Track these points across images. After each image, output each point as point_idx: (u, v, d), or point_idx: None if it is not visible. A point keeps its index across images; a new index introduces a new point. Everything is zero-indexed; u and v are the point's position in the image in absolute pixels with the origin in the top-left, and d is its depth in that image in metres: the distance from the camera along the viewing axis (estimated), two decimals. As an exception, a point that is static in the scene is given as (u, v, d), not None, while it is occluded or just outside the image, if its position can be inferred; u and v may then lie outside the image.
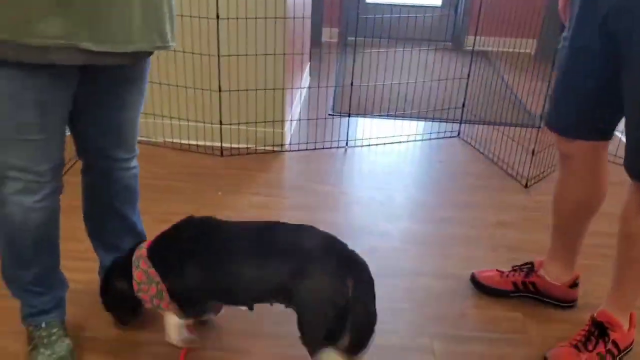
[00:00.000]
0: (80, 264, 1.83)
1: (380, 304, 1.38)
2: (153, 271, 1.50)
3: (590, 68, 1.52)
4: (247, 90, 2.75)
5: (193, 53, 2.66)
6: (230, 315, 1.76)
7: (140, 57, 1.44)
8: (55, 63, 1.26)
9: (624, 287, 1.63)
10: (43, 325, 1.59)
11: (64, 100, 1.38)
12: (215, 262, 1.45)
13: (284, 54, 2.70)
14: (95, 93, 1.48)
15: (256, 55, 2.68)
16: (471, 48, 4.84)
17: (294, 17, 2.81)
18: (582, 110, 1.59)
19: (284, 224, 1.48)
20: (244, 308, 1.54)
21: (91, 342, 1.66)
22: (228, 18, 2.58)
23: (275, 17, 2.62)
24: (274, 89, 2.76)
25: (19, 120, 1.32)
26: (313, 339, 1.37)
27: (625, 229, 1.57)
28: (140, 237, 1.80)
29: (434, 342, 1.71)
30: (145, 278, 1.51)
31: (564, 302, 1.87)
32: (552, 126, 1.71)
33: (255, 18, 2.60)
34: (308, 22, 3.29)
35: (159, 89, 2.80)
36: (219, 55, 2.63)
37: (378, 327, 1.65)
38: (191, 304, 1.54)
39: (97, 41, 1.27)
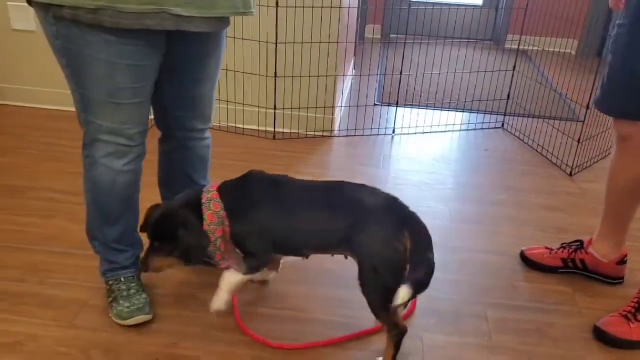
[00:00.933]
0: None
1: (435, 275, 1.43)
2: (224, 214, 1.53)
3: None
4: (300, 76, 2.87)
5: (251, 40, 2.79)
6: (286, 280, 1.86)
7: (223, 23, 1.52)
8: (150, 27, 1.36)
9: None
10: (122, 279, 1.72)
11: (154, 66, 1.49)
12: (284, 211, 1.52)
13: (337, 42, 2.81)
14: (179, 63, 1.59)
15: (311, 43, 2.80)
16: (510, 47, 4.92)
17: (348, 7, 2.92)
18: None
19: (349, 182, 1.55)
20: (298, 258, 1.64)
21: (163, 298, 1.79)
22: (287, 6, 2.70)
23: (331, 6, 2.73)
24: (326, 75, 2.88)
25: (114, 85, 1.44)
26: (372, 289, 1.45)
27: None
28: None
29: (487, 310, 1.80)
30: (216, 219, 1.53)
31: (612, 279, 1.94)
32: (609, 110, 1.78)
33: (312, 7, 2.72)
34: (354, 15, 3.39)
35: (217, 74, 2.94)
36: (276, 42, 2.76)
37: (434, 295, 1.76)
38: (255, 252, 1.57)
39: (186, 6, 1.36)
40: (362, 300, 1.47)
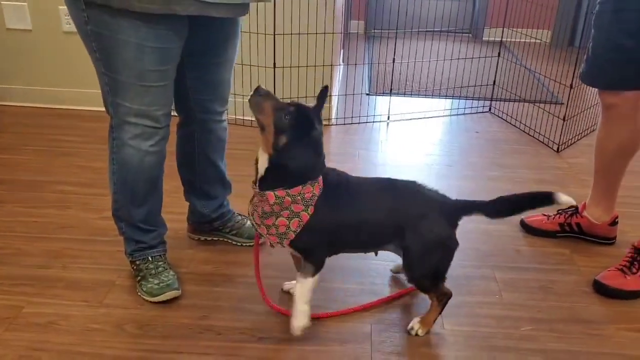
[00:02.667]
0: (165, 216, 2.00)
1: None
2: (316, 200, 1.49)
3: (631, 27, 1.73)
4: (298, 67, 2.97)
5: (250, 32, 2.88)
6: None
7: (244, 10, 1.60)
8: (176, 13, 1.43)
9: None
10: (150, 258, 1.80)
11: (178, 50, 1.57)
12: (353, 209, 1.56)
13: (333, 32, 2.93)
14: (201, 48, 1.67)
15: (308, 33, 2.91)
16: (488, 38, 5.09)
17: (341, -1, 3.04)
18: (625, 65, 1.78)
19: (397, 179, 1.65)
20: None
21: (189, 275, 1.88)
22: (283, -1, 2.81)
23: (325, -2, 2.85)
24: (323, 65, 2.99)
25: (143, 67, 1.51)
26: (427, 272, 1.57)
27: None
28: (227, 185, 2.01)
29: (495, 272, 1.92)
30: (308, 197, 1.48)
31: (606, 239, 2.09)
32: (595, 82, 1.92)
33: (308, -1, 2.83)
34: (340, 10, 3.51)
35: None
36: (274, 34, 2.86)
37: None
38: (318, 249, 1.57)
39: None
40: (374, 268, 1.58)
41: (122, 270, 1.87)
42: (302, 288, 1.56)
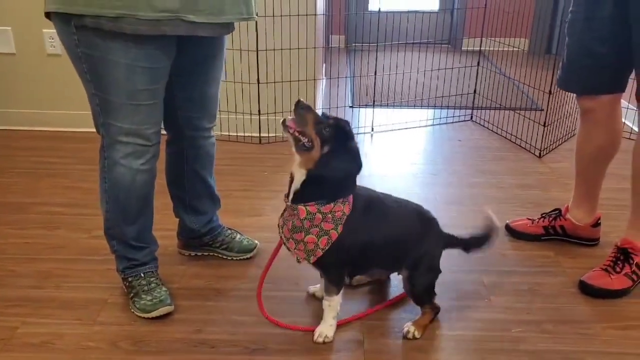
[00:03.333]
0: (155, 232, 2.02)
1: None
2: (345, 219, 1.53)
3: (603, 34, 1.79)
4: (282, 82, 3.01)
5: (233, 49, 2.92)
6: (293, 264, 1.98)
7: (229, 28, 1.64)
8: (166, 33, 1.48)
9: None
10: (142, 275, 1.81)
11: (167, 69, 1.61)
12: (383, 227, 1.63)
13: (315, 47, 2.97)
14: (189, 66, 1.71)
15: (290, 49, 2.95)
16: (467, 48, 5.18)
17: (324, 14, 3.09)
18: (600, 71, 1.84)
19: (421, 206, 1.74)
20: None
21: (181, 291, 1.89)
22: (265, 15, 2.85)
23: (307, 14, 2.89)
24: (306, 80, 3.03)
25: (133, 87, 1.54)
26: (426, 288, 1.70)
27: (638, 163, 1.82)
28: (216, 200, 2.03)
29: (483, 277, 1.96)
30: (339, 216, 1.53)
31: (589, 241, 2.14)
32: (571, 88, 1.98)
33: (289, 15, 2.88)
34: (321, 25, 3.56)
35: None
36: (257, 50, 2.90)
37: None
38: (340, 268, 1.63)
39: (198, 13, 1.48)
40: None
41: (114, 288, 1.88)
42: (329, 307, 1.65)
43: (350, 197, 1.55)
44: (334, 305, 1.65)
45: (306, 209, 1.51)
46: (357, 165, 1.53)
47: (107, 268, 1.94)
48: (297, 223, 1.53)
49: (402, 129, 3.40)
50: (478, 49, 3.51)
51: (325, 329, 1.66)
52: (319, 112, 1.52)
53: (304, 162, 1.50)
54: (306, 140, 1.47)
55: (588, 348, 1.65)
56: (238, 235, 2.08)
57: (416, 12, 4.95)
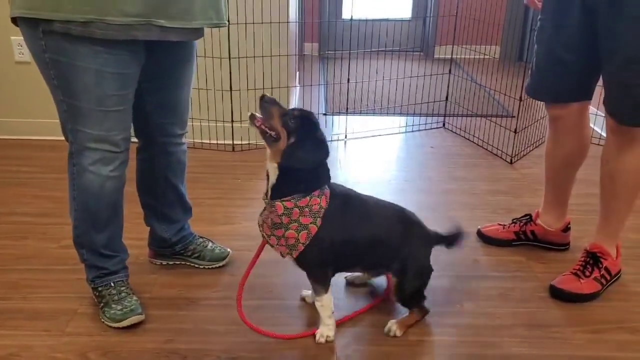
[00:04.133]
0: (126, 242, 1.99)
1: None
2: (323, 212, 1.55)
3: (571, 41, 1.82)
4: (255, 89, 3.01)
5: (205, 57, 2.90)
6: (267, 273, 1.97)
7: (199, 33, 1.63)
8: (137, 38, 1.46)
9: (610, 219, 1.93)
10: (112, 284, 1.78)
11: (136, 74, 1.59)
12: (365, 222, 1.65)
13: (288, 55, 2.97)
14: (159, 72, 1.69)
15: (263, 56, 2.95)
16: (439, 56, 5.24)
17: (297, 22, 3.09)
18: (567, 78, 1.87)
19: (404, 208, 1.76)
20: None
21: (153, 300, 1.86)
22: (237, 23, 2.84)
23: (279, 22, 2.90)
24: (279, 87, 3.03)
25: (102, 93, 1.52)
26: (416, 291, 1.72)
27: (606, 168, 1.86)
28: (188, 208, 2.01)
29: (455, 282, 1.97)
30: (316, 209, 1.54)
31: (560, 245, 2.17)
32: (541, 96, 2.01)
33: (262, 22, 2.87)
34: (293, 32, 3.57)
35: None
36: (229, 57, 2.88)
37: None
38: (322, 266, 1.64)
39: (169, 18, 1.47)
40: (334, 284, 1.66)
41: (84, 298, 1.84)
42: (322, 307, 1.66)
43: (327, 191, 1.57)
44: (326, 305, 1.65)
45: (283, 204, 1.53)
46: (324, 153, 1.56)
47: (76, 277, 1.90)
48: (276, 219, 1.55)
49: (375, 136, 3.42)
50: (450, 56, 3.55)
51: (325, 330, 1.67)
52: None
53: (273, 155, 1.53)
54: (273, 132, 1.50)
55: (559, 352, 1.67)
56: (210, 244, 2.06)
57: (388, 20, 5.00)
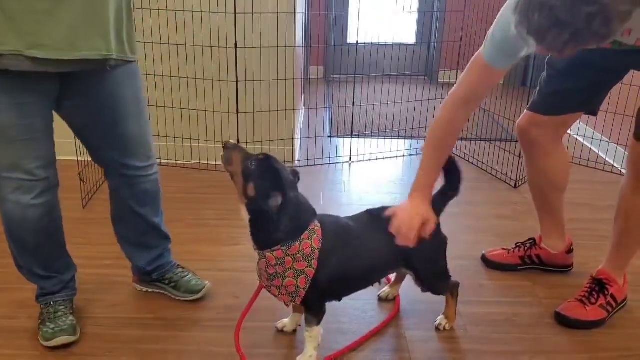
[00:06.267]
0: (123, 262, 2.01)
1: (411, 280, 1.79)
2: (317, 253, 1.51)
3: (590, 75, 1.81)
4: (261, 111, 3.03)
5: (213, 80, 2.93)
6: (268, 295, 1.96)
7: (99, 63, 1.52)
8: (8, 68, 1.40)
9: (621, 251, 1.91)
10: (52, 303, 1.77)
11: (41, 103, 1.53)
12: (356, 251, 1.61)
13: (294, 78, 3.01)
14: (93, 105, 1.62)
15: (269, 80, 2.98)
16: (443, 80, 5.28)
17: (303, 46, 3.13)
18: (579, 99, 1.88)
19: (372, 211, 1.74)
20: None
21: (157, 322, 1.86)
22: (245, 47, 2.87)
23: (286, 46, 2.93)
24: (285, 110, 3.05)
25: (1, 124, 1.48)
26: (439, 277, 1.76)
27: (622, 203, 1.84)
28: (164, 236, 1.95)
29: (460, 306, 1.95)
30: (309, 252, 1.51)
31: (564, 267, 2.18)
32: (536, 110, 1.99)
33: (269, 47, 2.91)
34: (300, 56, 3.61)
35: (179, 113, 3.06)
36: (237, 81, 2.92)
37: (412, 298, 2.00)
38: (322, 301, 1.64)
39: (42, 49, 1.40)
40: (340, 307, 1.68)
41: (90, 318, 1.86)
42: (310, 338, 1.63)
43: (318, 229, 1.53)
44: (314, 336, 1.63)
45: (273, 255, 1.51)
46: (293, 203, 1.49)
47: (83, 298, 1.92)
48: (271, 270, 1.53)
49: (379, 158, 3.44)
50: (454, 81, 3.57)
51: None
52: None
53: (239, 197, 1.53)
54: (232, 176, 1.53)
55: (564, 379, 1.66)
56: (189, 275, 1.99)
57: (393, 44, 5.04)
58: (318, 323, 1.62)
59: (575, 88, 1.85)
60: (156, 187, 1.85)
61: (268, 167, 1.49)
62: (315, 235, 1.52)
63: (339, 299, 1.69)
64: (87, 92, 1.60)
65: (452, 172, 1.73)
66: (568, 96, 1.87)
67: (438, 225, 1.71)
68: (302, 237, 1.50)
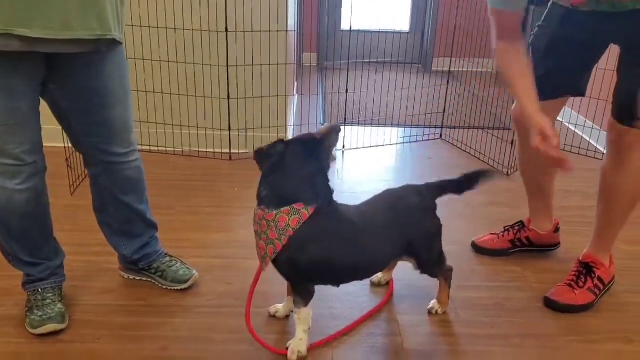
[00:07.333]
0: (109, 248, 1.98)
1: (404, 265, 1.81)
2: (291, 232, 1.50)
3: (570, 53, 1.81)
4: (252, 97, 3.01)
5: (203, 64, 2.91)
6: (266, 280, 1.97)
7: (92, 45, 1.49)
8: None
9: (604, 231, 1.93)
10: (39, 290, 1.75)
11: (27, 86, 1.50)
12: (349, 245, 1.59)
13: (286, 63, 2.99)
14: (73, 89, 1.59)
15: (261, 65, 2.96)
16: (437, 68, 5.27)
17: (295, 31, 3.11)
18: (562, 80, 1.87)
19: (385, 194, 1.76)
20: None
21: (148, 308, 1.85)
22: (236, 30, 2.85)
23: (278, 30, 2.91)
24: (277, 95, 3.04)
25: None
26: (435, 260, 1.79)
27: (603, 183, 1.86)
28: (150, 224, 1.93)
29: (451, 291, 1.95)
30: (282, 226, 1.50)
31: (552, 246, 2.22)
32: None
33: (260, 31, 2.89)
34: (292, 42, 3.59)
35: (169, 99, 3.04)
36: (227, 65, 2.90)
37: (404, 283, 2.01)
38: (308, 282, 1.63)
39: (33, 27, 1.35)
40: (333, 293, 1.67)
41: (77, 305, 1.84)
42: (298, 320, 1.63)
43: (304, 214, 1.51)
44: (303, 318, 1.62)
45: (256, 211, 1.56)
46: (283, 141, 1.54)
47: (70, 285, 1.90)
48: (255, 227, 1.57)
49: (373, 146, 3.43)
50: (447, 69, 3.57)
51: (296, 344, 1.63)
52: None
53: None
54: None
55: (554, 362, 1.67)
56: (177, 264, 1.96)
57: (387, 31, 5.04)
58: (305, 304, 1.61)
59: (559, 68, 1.85)
60: (138, 174, 1.82)
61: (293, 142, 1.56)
62: (296, 216, 1.50)
63: (336, 285, 1.69)
64: (74, 75, 1.57)
65: (471, 181, 1.83)
66: (553, 78, 1.85)
67: (434, 209, 1.76)
68: (282, 210, 1.50)
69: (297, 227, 1.50)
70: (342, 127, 1.72)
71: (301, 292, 1.62)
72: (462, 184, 1.82)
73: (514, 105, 2.01)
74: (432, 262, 1.78)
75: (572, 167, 1.54)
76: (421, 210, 1.72)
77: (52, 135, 1.92)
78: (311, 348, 1.67)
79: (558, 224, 2.20)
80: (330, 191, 1.59)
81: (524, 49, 1.73)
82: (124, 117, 1.70)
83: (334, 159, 1.62)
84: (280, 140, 1.54)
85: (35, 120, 1.58)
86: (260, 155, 1.54)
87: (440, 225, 1.77)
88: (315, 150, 1.55)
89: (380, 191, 1.78)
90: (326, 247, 1.56)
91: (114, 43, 1.56)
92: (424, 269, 1.78)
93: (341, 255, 1.58)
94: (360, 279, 1.79)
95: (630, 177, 1.79)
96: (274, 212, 1.50)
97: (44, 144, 1.63)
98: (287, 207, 1.50)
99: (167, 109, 3.07)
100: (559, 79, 1.87)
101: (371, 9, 5.25)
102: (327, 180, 1.59)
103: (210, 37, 2.87)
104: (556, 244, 2.22)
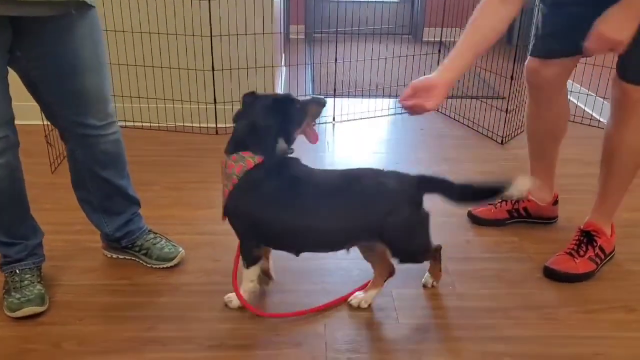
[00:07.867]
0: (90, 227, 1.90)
1: None
2: (235, 180, 1.48)
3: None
4: (238, 69, 2.91)
5: (186, 35, 2.80)
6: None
7: (61, 8, 1.42)
8: None
9: (607, 198, 1.87)
10: (17, 271, 1.68)
11: None
12: (293, 202, 1.51)
13: (272, 32, 2.88)
14: (41, 57, 1.50)
15: (246, 34, 2.85)
16: (428, 39, 5.16)
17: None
18: (565, 37, 1.76)
19: (354, 175, 1.58)
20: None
21: (133, 287, 1.78)
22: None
23: (263, -2, 2.80)
24: (264, 67, 2.93)
25: None
26: (415, 251, 1.63)
27: (607, 144, 1.80)
28: (132, 200, 1.84)
29: (447, 264, 1.89)
30: (229, 172, 1.49)
31: (550, 219, 2.15)
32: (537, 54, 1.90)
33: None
34: (278, 13, 3.47)
35: (151, 72, 2.92)
36: (211, 36, 2.78)
37: None
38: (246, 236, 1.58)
39: None
40: (326, 268, 1.64)
41: (59, 286, 1.77)
42: (244, 277, 1.63)
43: (249, 163, 1.47)
44: (246, 277, 1.61)
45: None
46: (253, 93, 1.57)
47: (51, 265, 1.82)
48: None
49: (364, 118, 3.34)
50: (439, 39, 3.47)
51: (243, 285, 1.64)
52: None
53: None
54: None
55: (555, 333, 1.61)
56: (162, 242, 1.89)
57: (376, 1, 4.91)
58: (246, 266, 1.60)
59: (564, 24, 1.76)
60: (117, 148, 1.73)
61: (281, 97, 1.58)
62: (241, 164, 1.48)
63: (294, 253, 1.61)
64: (41, 40, 1.47)
65: (479, 195, 1.64)
66: (561, 35, 1.78)
67: (420, 202, 1.56)
68: (232, 156, 1.49)
69: (241, 174, 1.47)
70: (330, 100, 1.64)
71: (243, 252, 1.59)
72: (466, 193, 1.62)
73: (527, 60, 1.91)
74: (411, 252, 1.61)
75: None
76: (399, 199, 1.53)
77: (30, 112, 1.82)
78: (304, 322, 1.63)
79: (557, 196, 2.13)
80: (276, 147, 1.51)
81: (508, 14, 1.63)
82: (98, 87, 1.60)
83: (315, 131, 1.66)
84: (252, 93, 1.56)
85: (4, 91, 1.48)
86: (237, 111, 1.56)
87: (426, 218, 1.58)
88: (285, 110, 1.52)
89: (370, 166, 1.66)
90: (257, 202, 1.50)
91: (85, 6, 1.46)
92: (401, 258, 1.60)
93: (273, 214, 1.50)
94: (316, 250, 1.68)
95: (635, 135, 1.73)
96: (225, 159, 1.50)
97: (23, 122, 1.54)
98: (236, 155, 1.49)
99: (149, 82, 2.96)
100: (566, 37, 1.77)
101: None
102: (288, 138, 1.54)
103: (192, 6, 2.76)
104: (554, 218, 2.16)
